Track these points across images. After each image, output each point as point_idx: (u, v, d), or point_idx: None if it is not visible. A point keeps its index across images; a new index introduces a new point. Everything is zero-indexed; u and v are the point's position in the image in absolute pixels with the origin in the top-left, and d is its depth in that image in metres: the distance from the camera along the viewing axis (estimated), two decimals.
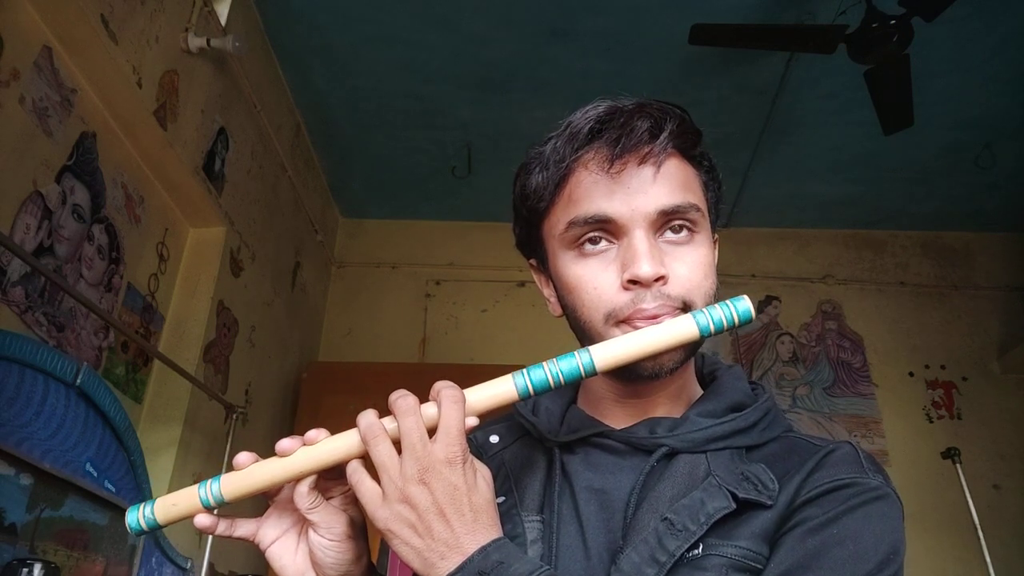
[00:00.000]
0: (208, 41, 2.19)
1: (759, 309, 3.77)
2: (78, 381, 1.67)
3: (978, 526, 2.55)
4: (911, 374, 3.61)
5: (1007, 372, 3.58)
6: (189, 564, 2.14)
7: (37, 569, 1.42)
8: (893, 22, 2.29)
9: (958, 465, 2.63)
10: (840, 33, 2.36)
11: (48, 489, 1.57)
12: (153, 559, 1.99)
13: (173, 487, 2.10)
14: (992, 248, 3.87)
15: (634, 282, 0.63)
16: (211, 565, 2.25)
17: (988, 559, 2.49)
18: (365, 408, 0.60)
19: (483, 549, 0.55)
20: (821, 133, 3.23)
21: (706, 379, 0.76)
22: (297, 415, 3.16)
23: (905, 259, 3.88)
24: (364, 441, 0.58)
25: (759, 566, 0.58)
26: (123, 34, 1.85)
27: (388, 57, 2.84)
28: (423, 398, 0.60)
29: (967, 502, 2.58)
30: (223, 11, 2.41)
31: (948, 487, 3.02)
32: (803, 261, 3.89)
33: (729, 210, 3.77)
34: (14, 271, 1.64)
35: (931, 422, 3.49)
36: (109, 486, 1.79)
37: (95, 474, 1.75)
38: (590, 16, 2.64)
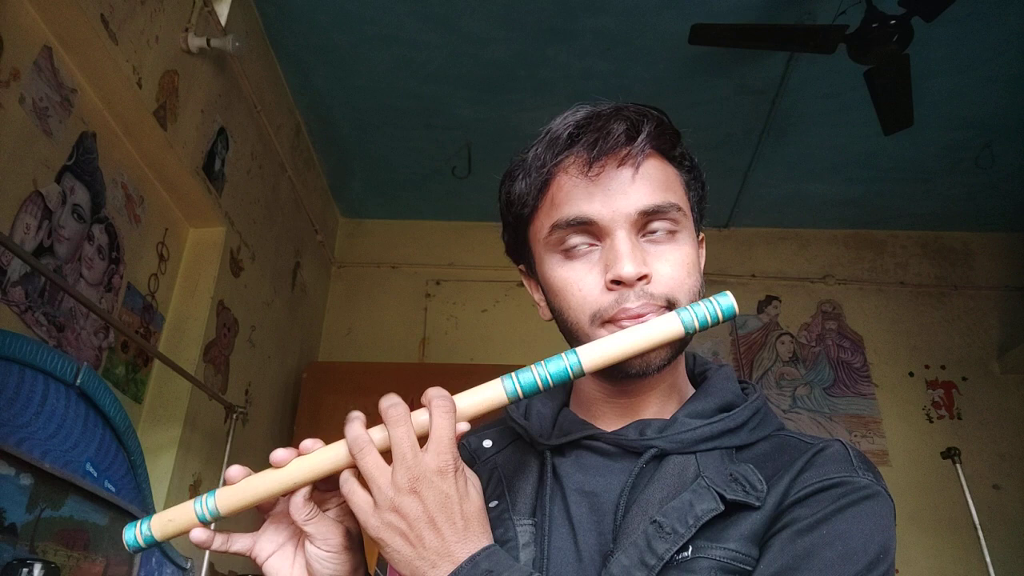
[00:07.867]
0: (208, 41, 2.19)
1: (759, 309, 3.77)
2: (78, 381, 1.67)
3: (978, 526, 2.55)
4: (911, 374, 3.61)
5: (1007, 372, 3.58)
6: (189, 564, 2.14)
7: (37, 569, 1.42)
8: (893, 22, 2.29)
9: (958, 465, 2.63)
10: (840, 33, 2.36)
11: (48, 489, 1.57)
12: (153, 559, 1.99)
13: (173, 487, 2.11)
14: (992, 248, 3.87)
15: (617, 282, 0.64)
16: (211, 565, 2.25)
17: (988, 559, 2.49)
18: (364, 409, 0.60)
19: (473, 558, 0.56)
20: (821, 133, 3.23)
21: (697, 379, 0.76)
22: (297, 415, 3.16)
23: (905, 259, 3.88)
24: (351, 454, 0.58)
25: (748, 568, 0.58)
26: (123, 34, 1.85)
27: (388, 57, 2.84)
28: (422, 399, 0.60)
29: (967, 502, 2.58)
30: (223, 11, 2.41)
31: (948, 487, 3.02)
32: (803, 261, 3.89)
33: (729, 210, 3.77)
34: (14, 271, 1.64)
35: (931, 422, 3.49)
36: (109, 486, 1.79)
37: (95, 474, 1.75)
38: (590, 16, 2.64)
